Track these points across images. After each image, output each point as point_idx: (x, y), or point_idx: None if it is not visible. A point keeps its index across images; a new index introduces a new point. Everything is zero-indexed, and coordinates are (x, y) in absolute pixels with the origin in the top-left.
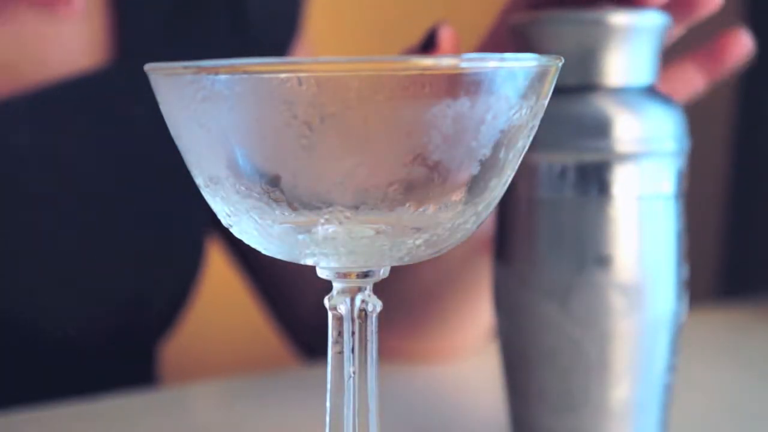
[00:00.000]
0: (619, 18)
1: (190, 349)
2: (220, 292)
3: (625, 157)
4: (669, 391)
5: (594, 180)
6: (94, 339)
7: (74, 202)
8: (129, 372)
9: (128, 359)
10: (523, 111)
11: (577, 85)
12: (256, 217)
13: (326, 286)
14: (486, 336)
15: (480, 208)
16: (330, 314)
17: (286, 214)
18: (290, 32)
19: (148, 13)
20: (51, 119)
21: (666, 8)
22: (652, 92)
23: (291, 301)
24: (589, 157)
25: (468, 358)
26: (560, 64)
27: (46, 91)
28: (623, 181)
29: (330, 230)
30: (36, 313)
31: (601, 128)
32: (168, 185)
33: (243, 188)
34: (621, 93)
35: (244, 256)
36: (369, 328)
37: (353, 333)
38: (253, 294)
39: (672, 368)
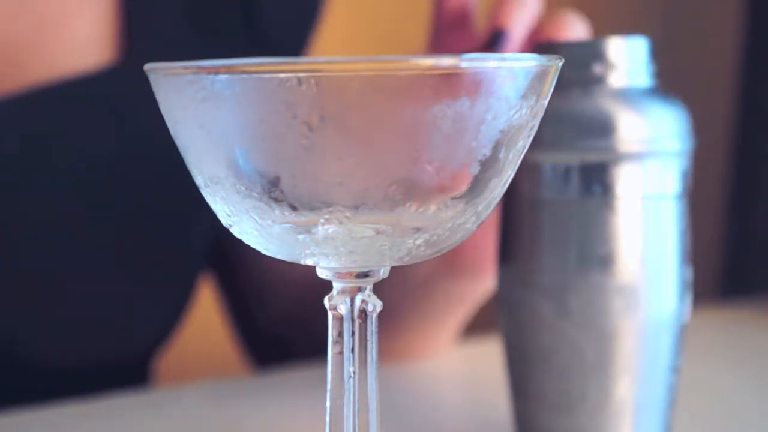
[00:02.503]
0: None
1: (184, 354)
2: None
3: (628, 157)
4: (672, 392)
5: (597, 180)
6: (84, 361)
7: (67, 211)
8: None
9: (120, 376)
10: (523, 111)
11: (580, 84)
12: (256, 217)
13: (288, 304)
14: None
15: (480, 208)
16: (330, 314)
17: (286, 214)
18: (303, 38)
19: (158, 12)
20: (51, 117)
21: None
22: (656, 92)
23: (254, 310)
24: (592, 157)
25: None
26: (560, 64)
27: (50, 88)
28: (627, 181)
29: (330, 230)
30: (24, 335)
31: (604, 128)
32: (169, 193)
33: (243, 188)
34: (625, 93)
35: (220, 265)
36: (369, 328)
37: (353, 333)
38: (218, 299)
39: (675, 369)
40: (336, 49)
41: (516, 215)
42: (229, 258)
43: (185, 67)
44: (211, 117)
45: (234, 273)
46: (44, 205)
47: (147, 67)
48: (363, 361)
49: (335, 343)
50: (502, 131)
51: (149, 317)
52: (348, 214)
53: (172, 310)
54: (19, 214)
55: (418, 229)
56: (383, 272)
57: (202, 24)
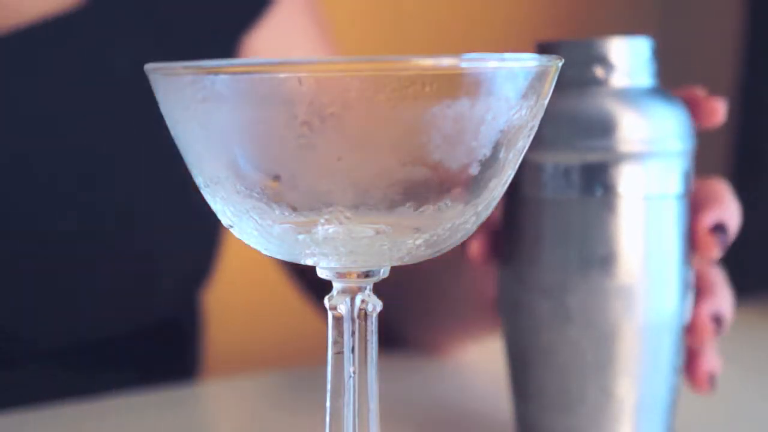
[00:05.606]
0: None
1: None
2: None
3: (630, 157)
4: (673, 392)
5: (598, 180)
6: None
7: (52, 164)
8: (171, 362)
9: (168, 346)
10: (523, 111)
11: (581, 84)
12: (256, 217)
13: None
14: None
15: (480, 208)
16: (330, 314)
17: (286, 214)
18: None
19: None
20: (18, 64)
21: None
22: (657, 92)
23: None
24: (594, 157)
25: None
26: (560, 64)
27: (17, 32)
28: (628, 181)
29: (330, 230)
30: (52, 307)
31: (605, 128)
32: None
33: (243, 188)
34: (626, 93)
35: None
36: (369, 328)
37: (353, 333)
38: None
39: (676, 369)
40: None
41: (516, 215)
42: None
43: (185, 67)
44: (211, 117)
45: None
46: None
47: (147, 67)
48: (363, 361)
49: (335, 343)
50: (502, 131)
51: (173, 269)
52: (348, 214)
53: (200, 256)
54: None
55: (418, 229)
56: (383, 272)
57: None
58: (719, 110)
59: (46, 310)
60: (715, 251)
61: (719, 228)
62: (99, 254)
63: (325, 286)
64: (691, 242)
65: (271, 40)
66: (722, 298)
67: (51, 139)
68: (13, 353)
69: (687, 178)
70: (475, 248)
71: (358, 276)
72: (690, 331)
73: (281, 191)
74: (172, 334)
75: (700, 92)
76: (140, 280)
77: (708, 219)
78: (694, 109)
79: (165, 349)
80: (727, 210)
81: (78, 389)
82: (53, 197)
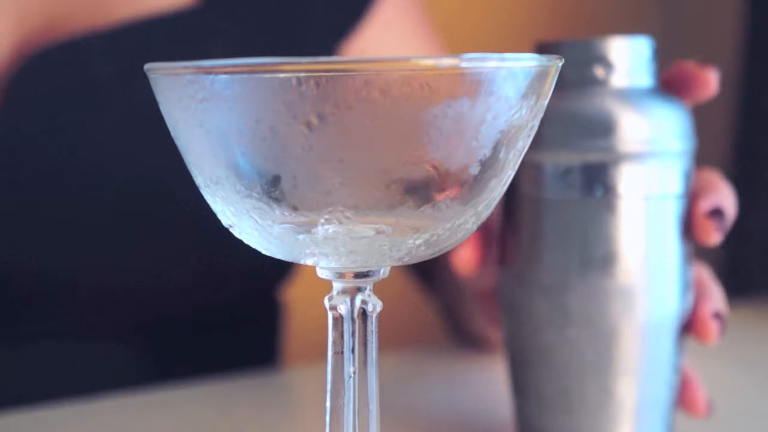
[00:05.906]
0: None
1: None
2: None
3: (630, 157)
4: (674, 392)
5: (599, 180)
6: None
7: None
8: (253, 347)
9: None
10: (523, 111)
11: (582, 84)
12: (256, 217)
13: None
14: None
15: (480, 208)
16: (330, 314)
17: (286, 214)
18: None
19: None
20: (135, 57)
21: (671, 87)
22: (657, 92)
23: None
24: (594, 157)
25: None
26: (560, 64)
27: (132, 26)
28: (628, 181)
29: (330, 230)
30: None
31: (606, 128)
32: None
33: (243, 188)
34: (626, 92)
35: None
36: (369, 328)
37: (353, 333)
38: None
39: (676, 369)
40: None
41: (516, 215)
42: None
43: (185, 67)
44: (211, 117)
45: None
46: (140, 134)
47: (146, 66)
48: (363, 361)
49: (335, 343)
50: (502, 131)
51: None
52: (348, 214)
53: None
54: (116, 141)
55: (418, 229)
56: (383, 272)
57: None
58: (711, 81)
59: (134, 299)
60: (714, 236)
61: (717, 213)
62: (178, 251)
63: (428, 269)
64: (690, 229)
65: (371, 41)
66: (717, 296)
67: (158, 142)
68: (101, 336)
69: (687, 178)
70: (465, 257)
71: (358, 276)
72: (694, 332)
73: (281, 191)
74: (252, 328)
75: (691, 65)
76: (222, 279)
77: (705, 204)
78: (686, 83)
79: (245, 340)
80: (723, 195)
81: (163, 376)
82: (160, 195)
